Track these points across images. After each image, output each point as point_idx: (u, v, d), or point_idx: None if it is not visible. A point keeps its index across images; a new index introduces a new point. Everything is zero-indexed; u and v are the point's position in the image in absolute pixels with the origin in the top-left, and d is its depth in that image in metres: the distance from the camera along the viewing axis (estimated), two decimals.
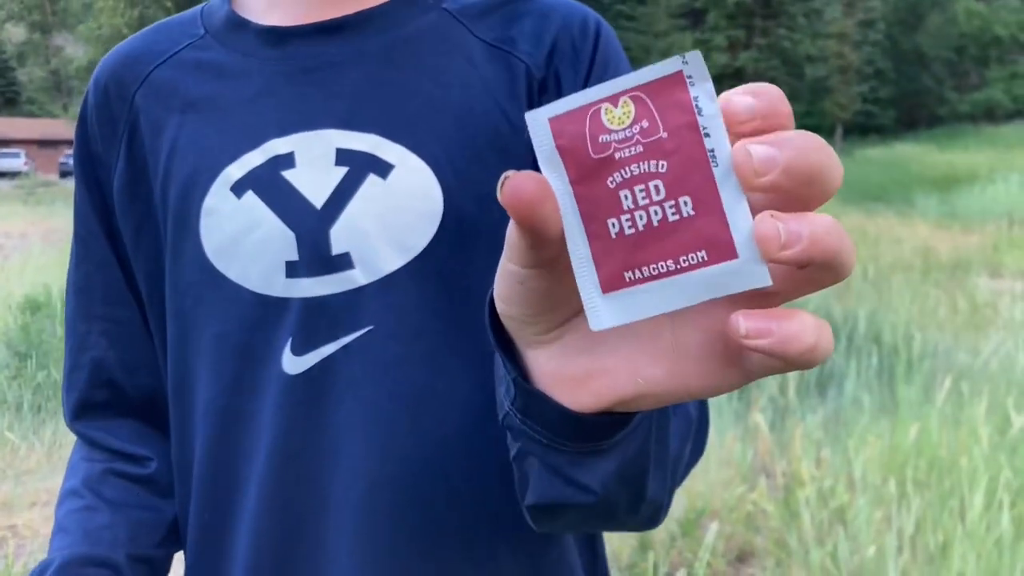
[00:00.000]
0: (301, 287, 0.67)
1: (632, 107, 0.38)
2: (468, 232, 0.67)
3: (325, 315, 0.67)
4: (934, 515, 3.01)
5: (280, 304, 0.68)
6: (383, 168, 0.67)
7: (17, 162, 44.75)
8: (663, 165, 0.37)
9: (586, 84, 0.70)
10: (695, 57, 0.36)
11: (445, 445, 0.68)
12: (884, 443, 3.50)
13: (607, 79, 0.38)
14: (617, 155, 0.38)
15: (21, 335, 5.47)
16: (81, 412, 0.84)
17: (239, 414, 0.71)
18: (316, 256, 0.66)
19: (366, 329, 0.67)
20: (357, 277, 0.67)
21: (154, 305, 0.76)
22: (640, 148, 0.38)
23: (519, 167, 0.41)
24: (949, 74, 49.61)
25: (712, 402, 4.13)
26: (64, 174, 45.21)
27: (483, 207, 0.67)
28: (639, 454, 0.50)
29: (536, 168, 0.39)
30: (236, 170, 0.69)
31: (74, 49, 56.14)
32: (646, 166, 0.38)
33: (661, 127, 0.37)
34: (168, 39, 0.76)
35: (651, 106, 0.37)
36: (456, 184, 0.67)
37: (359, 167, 0.67)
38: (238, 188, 0.68)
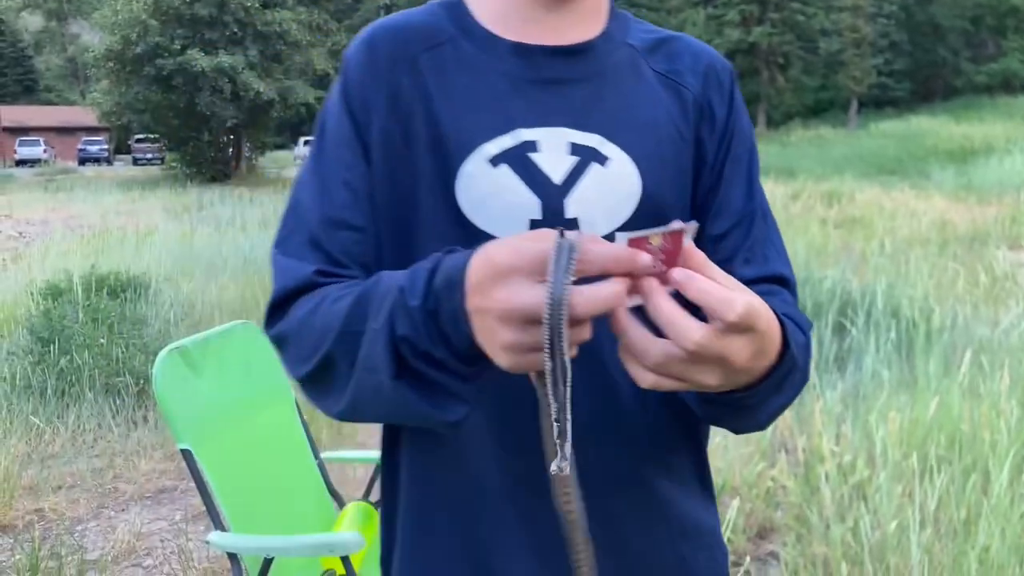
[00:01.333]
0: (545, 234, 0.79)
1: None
2: (658, 210, 0.90)
3: None
4: (957, 490, 2.99)
5: None
6: (603, 159, 0.91)
7: (37, 150, 45.02)
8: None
9: (729, 111, 0.98)
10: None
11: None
12: (905, 417, 3.48)
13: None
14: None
15: (43, 321, 5.52)
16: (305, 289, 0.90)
17: None
18: (554, 218, 0.88)
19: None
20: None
21: (387, 223, 0.92)
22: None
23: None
24: (965, 45, 48.78)
25: None
26: (83, 161, 45.46)
27: (666, 193, 0.93)
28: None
29: None
30: (492, 147, 0.89)
31: (90, 36, 56.25)
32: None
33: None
34: (429, 32, 0.96)
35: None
36: (650, 175, 0.92)
37: (587, 157, 0.90)
38: (494, 161, 0.89)
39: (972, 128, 27.81)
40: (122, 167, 41.21)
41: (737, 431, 0.92)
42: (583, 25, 0.96)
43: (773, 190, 14.44)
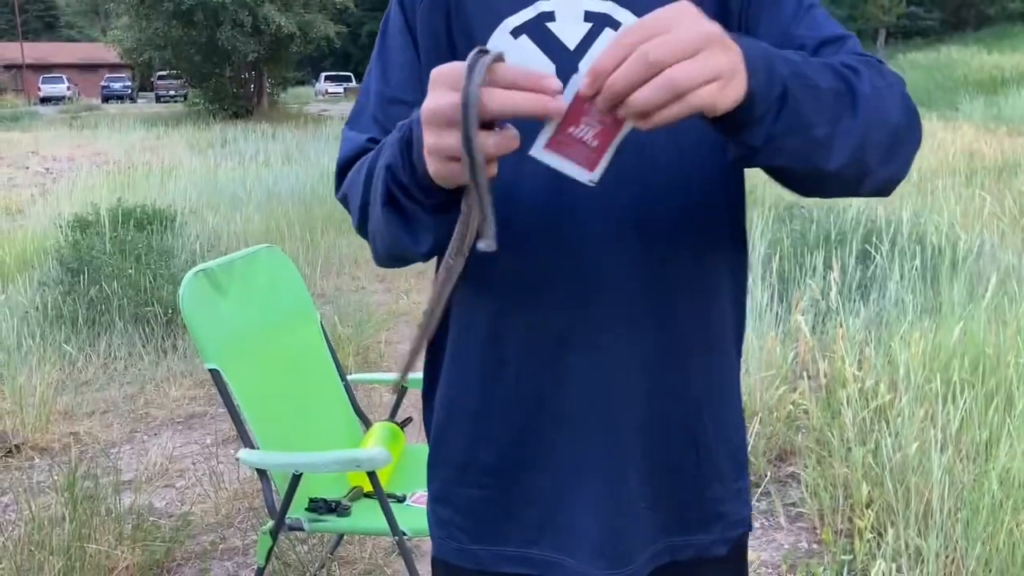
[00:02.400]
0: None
1: None
2: None
3: None
4: (980, 412, 3.00)
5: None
6: (616, 24, 0.92)
7: (61, 87, 45.04)
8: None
9: None
10: None
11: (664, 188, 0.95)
12: (928, 342, 3.47)
13: None
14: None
15: (73, 252, 5.59)
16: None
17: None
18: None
19: None
20: None
21: None
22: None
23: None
24: None
25: (752, 304, 4.12)
26: (106, 98, 45.45)
27: None
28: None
29: None
30: (514, 20, 0.94)
31: None
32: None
33: None
34: None
35: None
36: None
37: (600, 23, 0.93)
38: (515, 32, 0.94)
39: (1004, 58, 27.04)
40: (145, 104, 41.16)
41: (815, 187, 0.87)
42: None
43: None
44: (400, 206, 0.84)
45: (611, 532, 0.99)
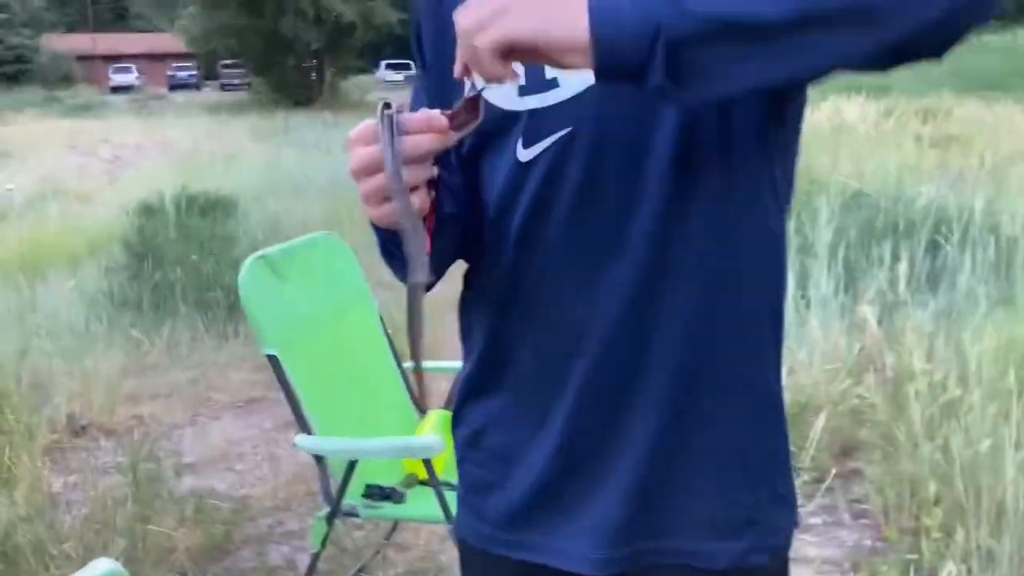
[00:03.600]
0: (526, 103, 0.95)
1: None
2: None
3: (541, 120, 0.95)
4: None
5: (513, 115, 0.96)
6: None
7: (130, 77, 46.08)
8: None
9: None
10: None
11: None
12: (1002, 335, 3.35)
13: None
14: None
15: (138, 237, 5.71)
16: None
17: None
18: (535, 82, 0.94)
19: (567, 130, 0.94)
20: (560, 93, 0.93)
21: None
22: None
23: None
24: None
25: (816, 295, 4.03)
26: (173, 87, 46.35)
27: None
28: None
29: None
30: None
31: None
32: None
33: None
34: None
35: None
36: None
37: None
38: None
39: None
40: (211, 92, 41.91)
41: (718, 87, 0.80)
42: None
43: (864, 107, 13.86)
44: (380, 239, 0.94)
45: (613, 521, 0.98)
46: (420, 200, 0.84)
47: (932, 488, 2.72)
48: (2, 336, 4.40)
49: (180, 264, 5.26)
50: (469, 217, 1.02)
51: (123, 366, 4.38)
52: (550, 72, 0.94)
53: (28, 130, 20.01)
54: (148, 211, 6.72)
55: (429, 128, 0.82)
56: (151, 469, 3.14)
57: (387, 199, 0.82)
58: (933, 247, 4.79)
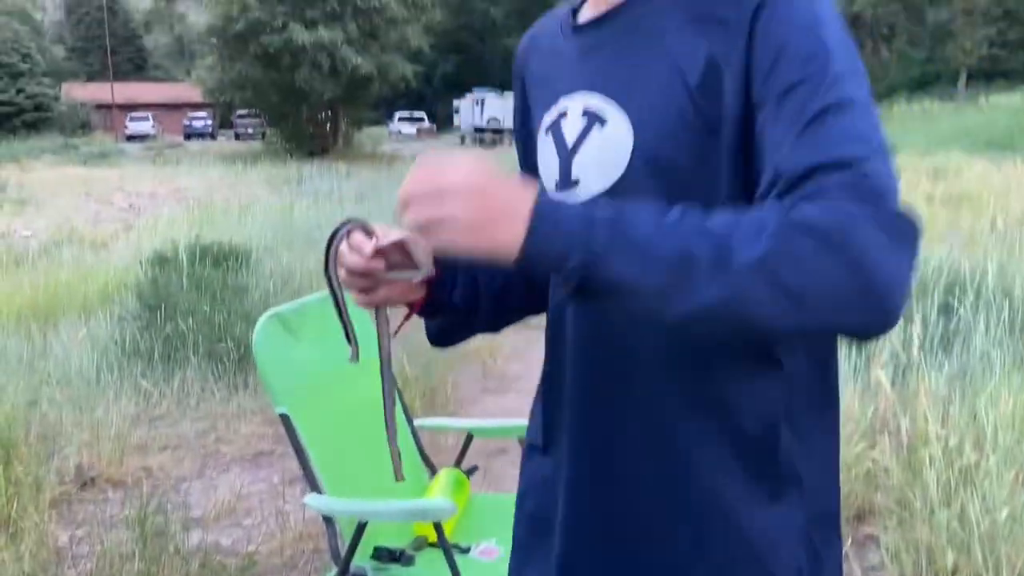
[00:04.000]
0: (558, 198, 0.95)
1: None
2: (655, 166, 0.93)
3: None
4: None
5: None
6: (603, 121, 0.97)
7: (146, 125, 46.75)
8: None
9: (750, 36, 0.89)
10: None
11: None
12: (1017, 400, 3.32)
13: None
14: None
15: (151, 288, 5.73)
16: None
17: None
18: (565, 179, 1.01)
19: None
20: (580, 195, 0.99)
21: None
22: None
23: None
24: None
25: None
26: (188, 136, 46.99)
27: (667, 150, 0.93)
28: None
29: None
30: (547, 119, 1.06)
31: (196, 15, 57.83)
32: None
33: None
34: (547, 28, 1.14)
35: None
36: (647, 133, 0.94)
37: (592, 119, 0.98)
38: (545, 131, 1.06)
39: None
40: (225, 141, 42.40)
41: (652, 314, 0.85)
42: None
43: None
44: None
45: None
46: (379, 297, 1.02)
47: (950, 557, 2.68)
48: (13, 384, 4.40)
49: (192, 315, 5.26)
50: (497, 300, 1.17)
51: (133, 416, 4.37)
52: (575, 173, 1.01)
53: (45, 177, 20.27)
54: (162, 261, 6.75)
55: (358, 250, 0.97)
56: (159, 523, 3.11)
57: (357, 289, 1.01)
58: (946, 309, 4.78)
